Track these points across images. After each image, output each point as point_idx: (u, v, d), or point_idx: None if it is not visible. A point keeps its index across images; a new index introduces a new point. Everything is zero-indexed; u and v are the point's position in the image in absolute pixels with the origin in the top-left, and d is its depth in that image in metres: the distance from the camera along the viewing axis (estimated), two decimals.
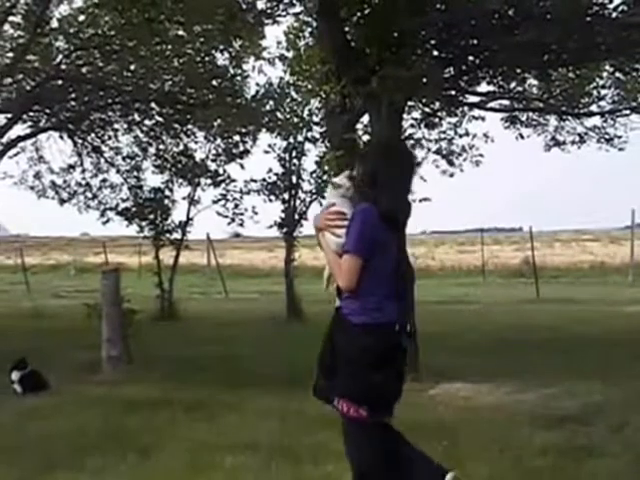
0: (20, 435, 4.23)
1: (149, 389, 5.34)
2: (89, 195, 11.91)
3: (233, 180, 11.53)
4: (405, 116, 6.86)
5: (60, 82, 9.92)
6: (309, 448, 3.78)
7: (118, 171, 11.74)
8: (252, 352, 7.13)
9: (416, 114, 8.01)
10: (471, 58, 6.11)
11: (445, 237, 42.19)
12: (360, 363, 2.47)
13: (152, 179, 14.87)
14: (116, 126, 11.30)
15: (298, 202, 11.37)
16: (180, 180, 11.60)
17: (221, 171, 11.57)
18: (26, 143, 11.42)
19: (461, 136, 8.80)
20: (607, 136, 8.51)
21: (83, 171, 11.83)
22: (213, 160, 11.63)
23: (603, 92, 8.06)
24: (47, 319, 10.77)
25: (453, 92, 6.99)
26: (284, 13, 6.61)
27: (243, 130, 10.91)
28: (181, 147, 11.44)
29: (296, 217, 11.43)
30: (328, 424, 4.24)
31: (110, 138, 11.48)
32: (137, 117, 10.98)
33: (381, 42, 5.64)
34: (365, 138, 6.73)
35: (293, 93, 10.58)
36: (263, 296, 15.36)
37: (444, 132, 8.71)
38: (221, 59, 9.90)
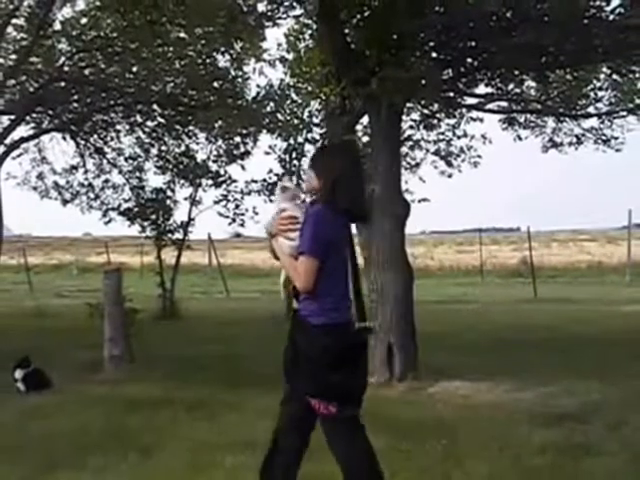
0: (22, 434, 4.26)
1: (150, 388, 5.36)
2: (91, 195, 11.96)
3: (234, 181, 11.58)
4: (404, 117, 6.92)
5: (63, 84, 9.96)
6: (310, 447, 3.82)
7: (120, 172, 11.80)
8: (253, 351, 7.15)
9: (415, 115, 8.08)
10: (469, 60, 6.13)
11: (444, 237, 42.25)
12: (321, 362, 2.53)
13: (154, 180, 14.91)
14: (118, 127, 11.34)
15: None
16: (182, 181, 11.66)
17: (222, 172, 11.64)
18: (29, 144, 11.47)
19: (459, 137, 8.87)
20: (604, 137, 8.53)
21: (86, 172, 11.89)
22: (214, 161, 11.69)
23: (600, 94, 8.08)
24: (50, 318, 10.82)
25: (452, 94, 7.03)
26: (284, 15, 6.63)
27: (244, 131, 10.96)
28: (183, 148, 11.49)
29: None
30: None
31: (112, 139, 11.52)
32: (139, 118, 11.02)
33: (380, 44, 5.66)
34: (365, 139, 6.79)
35: (293, 95, 10.63)
36: (264, 295, 15.39)
37: (443, 133, 8.78)
38: (222, 61, 9.95)
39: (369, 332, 2.68)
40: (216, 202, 11.60)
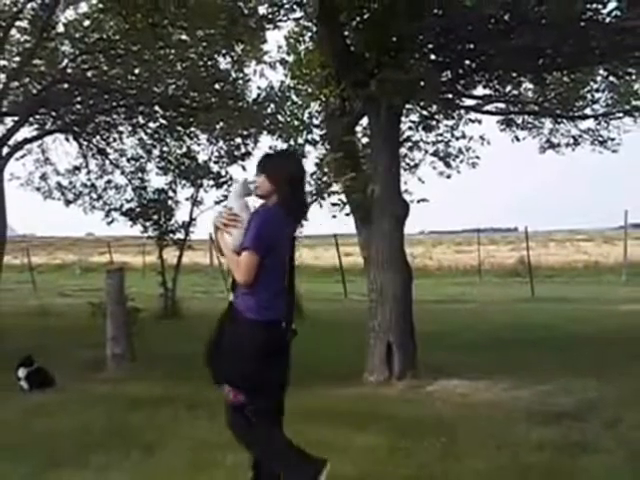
0: (26, 432, 4.26)
1: (152, 387, 5.39)
2: (94, 196, 12.00)
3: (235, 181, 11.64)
4: (403, 119, 6.94)
5: (66, 86, 10.00)
6: (309, 443, 3.76)
7: (123, 172, 11.85)
8: None
9: (414, 117, 8.10)
10: (468, 62, 6.16)
11: (443, 237, 42.32)
12: (245, 354, 2.68)
13: (156, 180, 14.98)
14: (121, 129, 11.39)
15: None
16: (183, 181, 11.72)
17: (223, 173, 11.70)
18: (32, 145, 11.52)
19: (458, 138, 8.88)
20: (601, 138, 8.56)
21: (88, 172, 11.94)
22: (215, 162, 11.73)
23: (597, 95, 8.10)
24: (53, 317, 10.89)
25: (450, 95, 7.06)
26: (285, 18, 6.66)
27: (245, 132, 11.00)
28: (184, 149, 11.53)
29: None
30: (328, 420, 4.34)
31: (115, 140, 11.58)
32: (141, 120, 11.07)
33: (380, 46, 5.70)
34: (364, 140, 6.84)
35: (294, 96, 10.65)
36: None
37: (441, 134, 8.79)
38: (223, 63, 10.00)
39: (294, 334, 2.80)
40: (217, 202, 11.67)
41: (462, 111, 8.30)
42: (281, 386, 2.85)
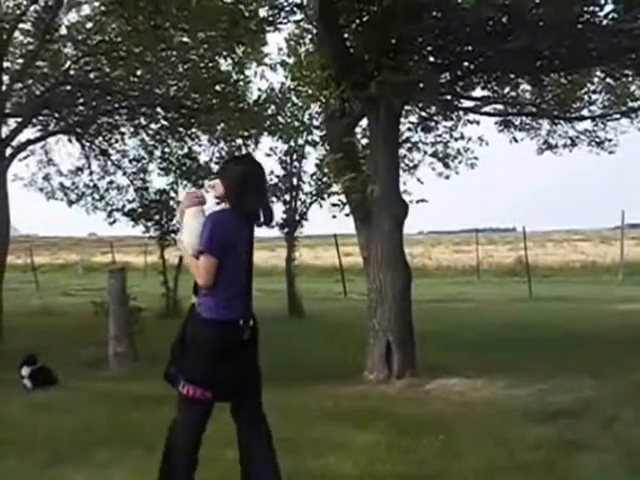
0: (29, 429, 4.28)
1: (153, 385, 5.29)
2: (96, 196, 12.04)
3: None
4: (402, 120, 6.99)
5: (68, 87, 10.03)
6: (309, 441, 3.86)
7: (125, 173, 11.90)
8: None
9: (413, 118, 8.17)
10: (466, 64, 6.21)
11: (441, 237, 42.36)
12: (205, 353, 2.75)
13: (157, 181, 15.09)
14: (123, 130, 11.43)
15: (299, 203, 11.60)
16: (185, 182, 11.79)
17: None
18: (36, 146, 11.52)
19: (456, 139, 8.95)
20: (598, 139, 8.62)
21: (91, 173, 11.97)
22: (217, 163, 11.79)
23: (594, 97, 8.17)
24: (56, 316, 10.96)
25: (449, 97, 7.12)
26: (285, 20, 6.69)
27: (245, 134, 11.03)
28: (186, 150, 11.59)
29: (297, 218, 11.64)
30: (328, 418, 4.39)
31: (117, 141, 11.61)
32: (143, 121, 11.11)
33: (379, 48, 5.73)
34: (364, 141, 6.89)
35: (294, 98, 10.75)
36: (264, 294, 15.49)
37: (440, 135, 8.87)
38: (224, 65, 10.02)
39: (252, 330, 2.84)
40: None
41: (461, 112, 8.35)
42: (242, 385, 2.85)
